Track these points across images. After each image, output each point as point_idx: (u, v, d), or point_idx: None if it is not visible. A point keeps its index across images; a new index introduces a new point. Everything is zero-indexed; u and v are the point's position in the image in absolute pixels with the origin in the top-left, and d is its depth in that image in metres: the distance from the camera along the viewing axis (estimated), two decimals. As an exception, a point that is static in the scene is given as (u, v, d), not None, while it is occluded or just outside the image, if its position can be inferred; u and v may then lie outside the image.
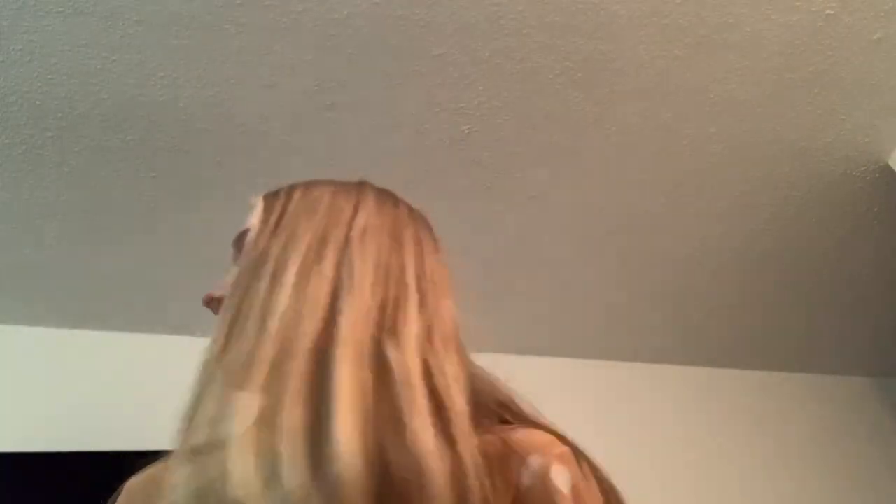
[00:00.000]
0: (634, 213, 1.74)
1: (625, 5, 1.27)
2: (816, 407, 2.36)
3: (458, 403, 0.51)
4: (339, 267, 0.57)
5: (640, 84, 1.42)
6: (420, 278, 0.61)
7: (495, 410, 0.65)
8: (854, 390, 2.47)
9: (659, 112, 1.48)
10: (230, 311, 0.58)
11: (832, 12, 1.31)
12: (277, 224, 0.64)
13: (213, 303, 0.68)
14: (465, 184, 1.60)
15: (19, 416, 1.63)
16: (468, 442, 0.49)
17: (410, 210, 0.70)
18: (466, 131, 1.48)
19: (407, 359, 0.52)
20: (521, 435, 0.58)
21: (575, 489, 0.54)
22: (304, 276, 0.56)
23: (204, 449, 0.48)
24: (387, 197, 0.69)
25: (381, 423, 0.48)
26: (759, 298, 2.09)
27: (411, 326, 0.55)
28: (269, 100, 1.38)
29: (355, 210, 0.64)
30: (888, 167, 1.64)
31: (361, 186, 0.69)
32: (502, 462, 0.55)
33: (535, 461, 0.55)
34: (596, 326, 2.12)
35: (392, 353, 0.52)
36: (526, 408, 0.65)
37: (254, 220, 0.68)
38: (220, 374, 0.53)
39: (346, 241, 0.60)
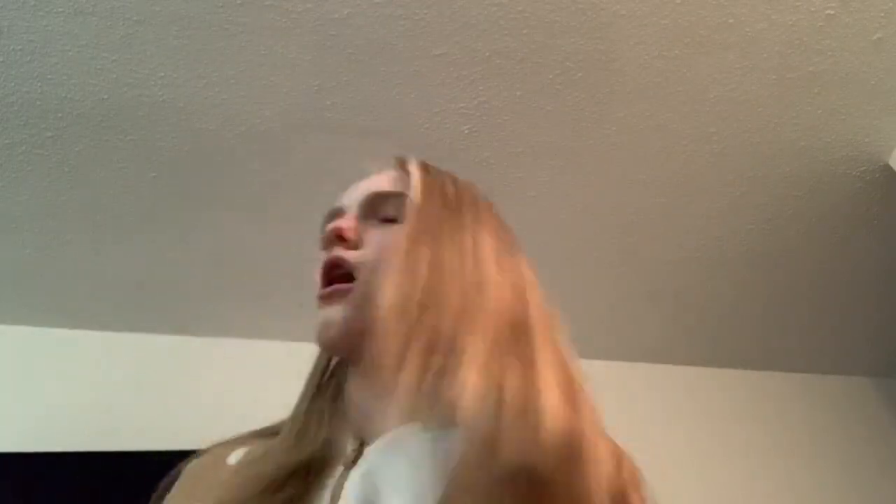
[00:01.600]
0: (634, 213, 1.74)
1: (625, 5, 1.27)
2: (816, 407, 2.36)
3: None
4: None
5: (640, 84, 1.42)
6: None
7: None
8: (854, 390, 2.47)
9: (659, 112, 1.48)
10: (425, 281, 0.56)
11: (832, 12, 1.31)
12: (456, 207, 0.64)
13: (338, 265, 0.61)
14: (465, 184, 1.60)
15: (19, 416, 1.63)
16: None
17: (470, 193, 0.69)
18: (466, 131, 1.48)
19: None
20: None
21: None
22: (502, 271, 0.60)
23: None
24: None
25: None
26: (759, 298, 2.09)
27: None
28: (269, 100, 1.38)
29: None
30: (888, 167, 1.64)
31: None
32: None
33: None
34: (596, 326, 2.12)
35: None
36: None
37: (386, 184, 0.66)
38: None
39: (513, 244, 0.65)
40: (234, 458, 0.64)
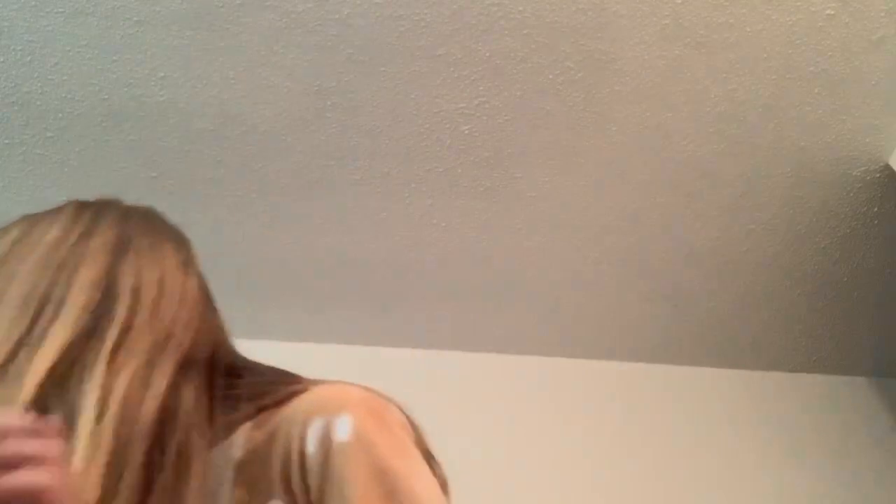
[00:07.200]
0: (634, 213, 1.74)
1: (625, 5, 1.27)
2: (816, 407, 2.36)
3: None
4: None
5: (640, 84, 1.42)
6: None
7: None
8: (854, 390, 2.46)
9: (659, 112, 1.48)
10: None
11: (832, 12, 1.31)
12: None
13: None
14: (465, 184, 1.60)
15: (19, 416, 1.63)
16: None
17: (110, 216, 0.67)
18: (466, 131, 1.48)
19: None
20: (298, 403, 0.58)
21: (360, 431, 0.52)
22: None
23: None
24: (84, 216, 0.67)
25: None
26: (759, 298, 2.09)
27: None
28: (269, 100, 1.38)
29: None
30: (888, 167, 1.64)
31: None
32: (267, 444, 0.56)
33: (316, 425, 0.54)
34: (596, 326, 2.12)
35: None
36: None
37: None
38: None
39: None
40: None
